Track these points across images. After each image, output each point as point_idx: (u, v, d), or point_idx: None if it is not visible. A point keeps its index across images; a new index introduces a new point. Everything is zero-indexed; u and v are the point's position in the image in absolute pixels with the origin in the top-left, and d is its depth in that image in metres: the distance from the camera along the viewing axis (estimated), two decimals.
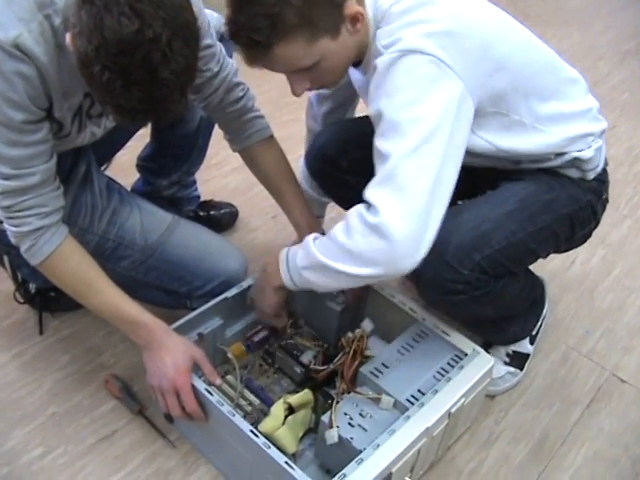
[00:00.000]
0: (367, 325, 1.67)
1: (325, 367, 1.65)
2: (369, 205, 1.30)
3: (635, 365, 2.01)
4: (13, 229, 1.43)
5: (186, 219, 1.82)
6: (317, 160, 1.86)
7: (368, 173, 1.55)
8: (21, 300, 1.93)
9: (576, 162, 1.57)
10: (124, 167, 2.09)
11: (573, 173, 1.60)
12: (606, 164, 1.67)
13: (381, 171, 1.31)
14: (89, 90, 1.22)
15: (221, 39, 1.66)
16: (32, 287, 1.92)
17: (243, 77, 1.71)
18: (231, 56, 1.69)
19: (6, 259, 1.84)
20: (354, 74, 1.62)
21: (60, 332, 1.91)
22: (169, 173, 2.09)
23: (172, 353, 1.49)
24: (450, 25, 1.35)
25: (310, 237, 1.42)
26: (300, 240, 1.77)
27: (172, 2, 1.12)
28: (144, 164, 2.13)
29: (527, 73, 1.47)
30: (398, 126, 1.31)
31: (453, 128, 1.32)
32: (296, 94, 1.47)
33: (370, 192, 1.32)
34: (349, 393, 1.53)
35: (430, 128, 1.30)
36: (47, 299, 1.92)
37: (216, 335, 1.68)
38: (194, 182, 2.22)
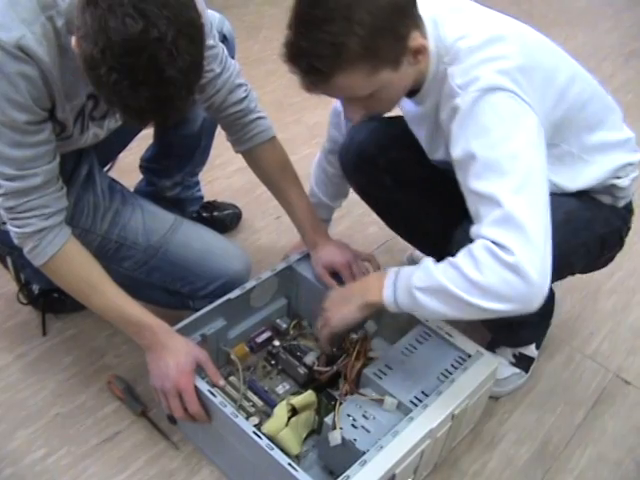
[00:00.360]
0: (371, 326, 1.67)
1: (329, 368, 1.64)
2: (497, 244, 1.28)
3: (639, 366, 2.00)
4: (16, 230, 1.43)
5: (189, 220, 1.82)
6: (354, 157, 1.82)
7: (406, 176, 1.57)
8: (24, 301, 1.94)
9: (611, 189, 1.58)
10: (127, 168, 2.09)
11: (606, 199, 1.61)
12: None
13: (493, 213, 1.29)
14: (95, 92, 1.22)
15: (223, 40, 1.65)
16: (35, 288, 1.92)
17: (246, 78, 1.71)
18: (233, 57, 1.69)
19: (9, 260, 1.85)
20: (406, 104, 1.61)
21: (63, 333, 1.91)
22: (172, 174, 2.09)
23: (175, 354, 1.49)
24: (520, 61, 1.36)
25: (429, 260, 1.38)
26: (304, 241, 1.78)
27: (176, 0, 1.12)
28: (147, 165, 2.13)
29: (579, 103, 1.48)
30: (497, 165, 1.30)
31: (542, 159, 1.33)
32: (350, 120, 1.46)
33: (492, 232, 1.29)
34: (352, 394, 1.53)
35: (528, 162, 1.31)
36: (50, 300, 1.92)
37: (219, 336, 1.68)
38: (197, 183, 2.22)
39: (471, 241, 1.32)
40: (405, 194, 1.80)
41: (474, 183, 1.32)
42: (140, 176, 2.16)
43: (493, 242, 1.27)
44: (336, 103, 1.83)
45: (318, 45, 1.26)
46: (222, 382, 1.55)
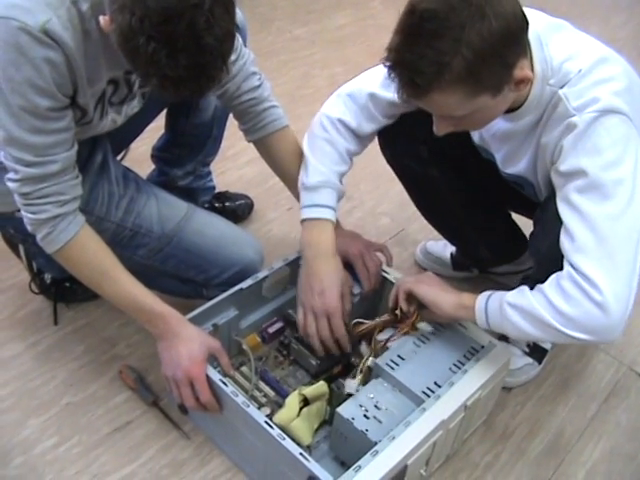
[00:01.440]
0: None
1: (368, 322, 1.64)
2: (586, 278, 1.32)
3: None
4: (30, 216, 1.42)
5: (202, 209, 1.82)
6: (394, 123, 1.76)
7: (444, 152, 1.67)
8: (36, 290, 1.94)
9: None
10: (139, 159, 2.09)
11: None
12: None
13: (586, 237, 1.34)
14: (130, 66, 1.22)
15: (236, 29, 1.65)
16: (47, 277, 1.92)
17: (259, 69, 1.70)
18: (246, 46, 1.69)
19: (22, 249, 1.85)
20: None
21: (75, 322, 1.91)
22: (184, 163, 2.09)
23: (187, 343, 1.49)
24: (626, 82, 1.38)
25: (525, 286, 1.43)
26: None
27: None
28: (159, 154, 2.13)
29: None
30: (603, 187, 1.33)
31: None
32: (438, 134, 1.44)
33: (583, 262, 1.33)
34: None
35: (631, 189, 1.34)
36: (62, 290, 1.92)
37: (231, 326, 1.68)
38: (209, 173, 2.22)
39: (551, 255, 1.40)
40: (438, 169, 1.80)
41: (575, 196, 1.36)
42: (152, 166, 2.15)
43: (582, 275, 1.32)
44: (375, 90, 1.69)
45: (422, 60, 1.24)
46: (233, 372, 1.55)
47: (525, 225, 1.99)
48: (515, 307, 1.41)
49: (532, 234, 1.62)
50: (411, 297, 1.58)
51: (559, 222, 1.39)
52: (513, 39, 1.27)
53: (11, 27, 1.21)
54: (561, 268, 1.37)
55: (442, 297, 1.54)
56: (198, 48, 1.15)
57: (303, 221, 1.69)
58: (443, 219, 2.01)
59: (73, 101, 1.38)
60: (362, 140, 1.73)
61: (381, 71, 1.45)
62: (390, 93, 1.52)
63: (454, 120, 1.39)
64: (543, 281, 1.39)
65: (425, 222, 2.05)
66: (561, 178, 1.40)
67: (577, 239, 1.34)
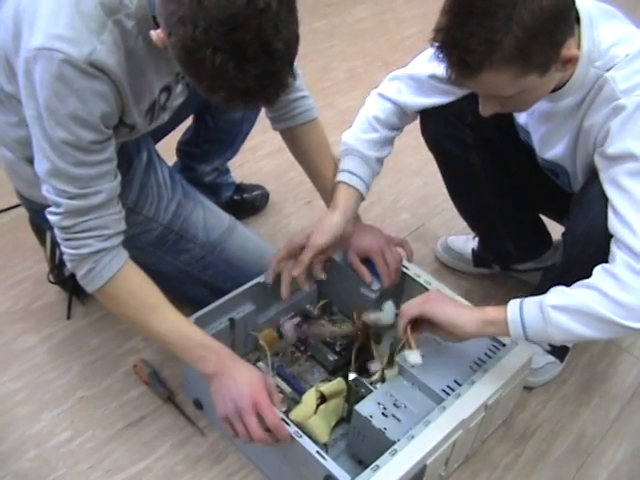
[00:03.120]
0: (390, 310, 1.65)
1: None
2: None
3: None
4: (71, 252, 1.38)
5: (239, 222, 1.82)
6: (434, 129, 1.77)
7: (489, 139, 1.66)
8: (53, 280, 1.92)
9: None
10: (159, 151, 2.06)
11: None
12: None
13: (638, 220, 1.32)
14: (192, 80, 1.18)
15: None
16: (67, 270, 1.90)
17: None
18: None
19: (48, 236, 1.83)
20: None
21: (90, 315, 1.90)
22: (212, 159, 2.09)
23: (244, 372, 1.41)
24: None
25: (558, 286, 1.38)
26: None
27: None
28: (186, 148, 2.11)
29: None
30: None
31: None
32: (484, 115, 1.42)
33: (637, 245, 1.30)
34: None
35: None
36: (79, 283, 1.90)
37: (248, 321, 1.66)
38: (228, 169, 2.22)
39: (586, 236, 1.41)
40: (479, 156, 1.78)
41: (625, 180, 1.34)
42: (171, 160, 2.13)
43: (638, 257, 1.29)
44: (418, 72, 1.68)
45: (473, 39, 1.22)
46: (283, 408, 1.49)
47: (550, 225, 1.98)
48: (562, 309, 1.33)
49: (568, 217, 1.59)
50: (419, 322, 1.49)
51: (598, 204, 1.38)
52: (562, 17, 1.26)
53: (55, 59, 1.19)
54: (595, 250, 1.35)
55: (461, 316, 1.44)
56: (267, 55, 1.10)
57: None
58: (475, 208, 1.98)
59: (120, 121, 1.36)
60: (404, 114, 1.73)
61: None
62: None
63: (501, 100, 1.37)
64: (571, 269, 1.36)
65: (446, 217, 2.03)
66: (608, 161, 1.38)
67: (630, 223, 1.31)
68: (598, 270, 1.33)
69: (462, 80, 1.32)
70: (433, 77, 1.63)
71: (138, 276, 1.44)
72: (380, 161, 1.73)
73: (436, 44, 1.29)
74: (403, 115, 1.72)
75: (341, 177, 1.66)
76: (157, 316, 1.43)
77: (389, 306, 1.65)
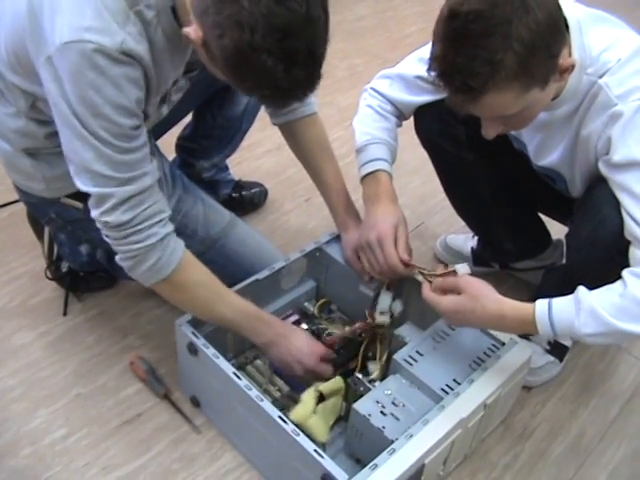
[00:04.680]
0: (397, 306, 1.64)
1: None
2: None
3: None
4: (136, 247, 1.36)
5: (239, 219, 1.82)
6: (428, 127, 1.78)
7: (487, 152, 1.65)
8: (50, 276, 1.91)
9: None
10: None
11: None
12: None
13: None
14: (231, 79, 1.23)
15: None
16: (64, 266, 1.90)
17: None
18: None
19: (46, 231, 1.83)
20: None
21: (86, 312, 1.89)
22: (211, 155, 2.08)
23: (299, 338, 1.56)
24: None
25: (585, 295, 1.32)
26: (336, 222, 1.73)
27: None
28: (185, 144, 2.11)
29: None
30: None
31: None
32: (488, 137, 1.42)
33: None
34: None
35: None
36: (76, 279, 1.90)
37: None
38: (227, 166, 2.22)
39: (591, 239, 1.41)
40: (474, 154, 1.77)
41: (638, 186, 1.34)
42: (170, 155, 2.12)
43: None
44: (406, 72, 1.70)
45: (475, 62, 1.22)
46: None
47: (549, 223, 1.97)
48: (597, 336, 1.31)
49: (572, 220, 1.59)
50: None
51: (603, 209, 1.38)
52: (557, 28, 1.27)
53: (87, 50, 1.19)
54: (601, 254, 1.35)
55: (487, 326, 1.51)
56: (313, 61, 1.17)
57: (361, 181, 1.69)
58: (471, 206, 1.97)
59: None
60: (397, 109, 1.74)
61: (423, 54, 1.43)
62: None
63: (504, 120, 1.37)
64: (576, 273, 1.35)
65: (445, 215, 2.02)
66: (615, 169, 1.37)
67: None
68: (627, 275, 1.30)
69: (466, 105, 1.31)
70: (419, 78, 1.64)
71: (195, 259, 1.47)
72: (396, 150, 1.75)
73: (434, 73, 1.29)
74: (397, 110, 1.73)
75: (379, 166, 1.67)
76: (224, 297, 1.50)
77: (390, 302, 1.65)
